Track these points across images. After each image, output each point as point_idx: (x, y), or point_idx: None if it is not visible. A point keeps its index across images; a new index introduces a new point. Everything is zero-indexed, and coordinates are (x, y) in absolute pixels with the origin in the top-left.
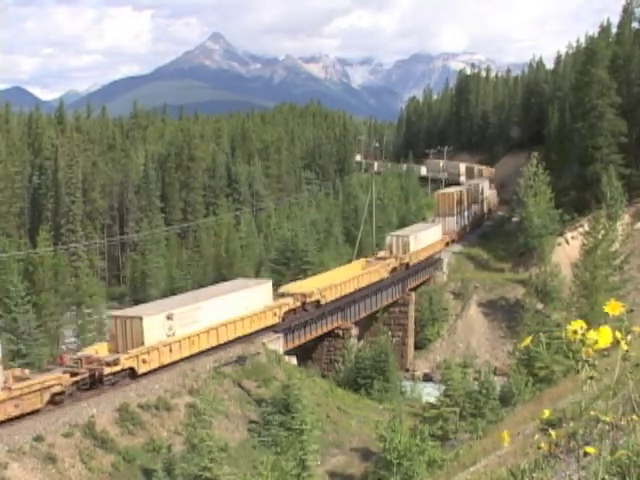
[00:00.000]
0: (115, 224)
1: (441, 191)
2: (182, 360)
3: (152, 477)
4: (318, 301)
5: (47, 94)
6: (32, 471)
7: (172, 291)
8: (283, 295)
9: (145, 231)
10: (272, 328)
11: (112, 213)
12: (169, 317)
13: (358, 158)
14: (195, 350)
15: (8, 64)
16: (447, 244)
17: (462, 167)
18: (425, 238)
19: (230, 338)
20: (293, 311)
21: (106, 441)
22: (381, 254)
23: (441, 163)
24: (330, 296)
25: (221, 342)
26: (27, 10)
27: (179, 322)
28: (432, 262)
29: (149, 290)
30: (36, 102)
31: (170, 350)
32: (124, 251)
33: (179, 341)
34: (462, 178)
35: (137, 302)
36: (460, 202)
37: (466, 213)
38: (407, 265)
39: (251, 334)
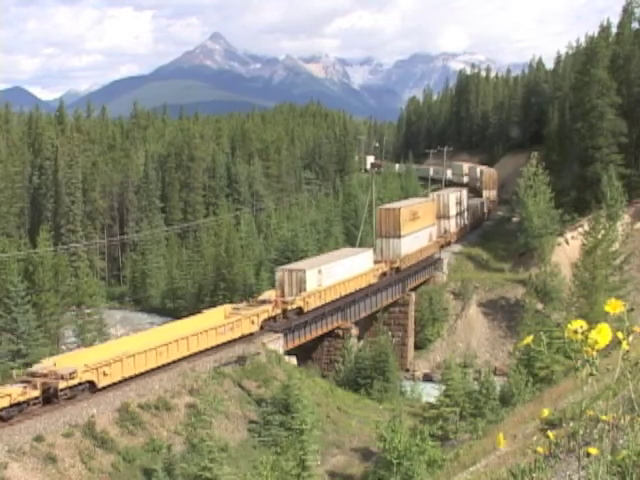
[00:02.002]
0: (115, 224)
1: (385, 206)
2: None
3: (152, 477)
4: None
5: (47, 94)
6: (32, 471)
7: (172, 291)
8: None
9: (145, 231)
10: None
11: (112, 213)
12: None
13: (371, 159)
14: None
15: (8, 64)
16: (384, 275)
17: (465, 167)
18: (338, 271)
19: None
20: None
21: (106, 441)
22: (266, 295)
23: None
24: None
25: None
26: (28, 10)
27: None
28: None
29: (149, 290)
30: (36, 102)
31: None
32: (124, 251)
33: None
34: (465, 178)
35: (137, 302)
36: (413, 219)
37: (422, 233)
38: (300, 310)
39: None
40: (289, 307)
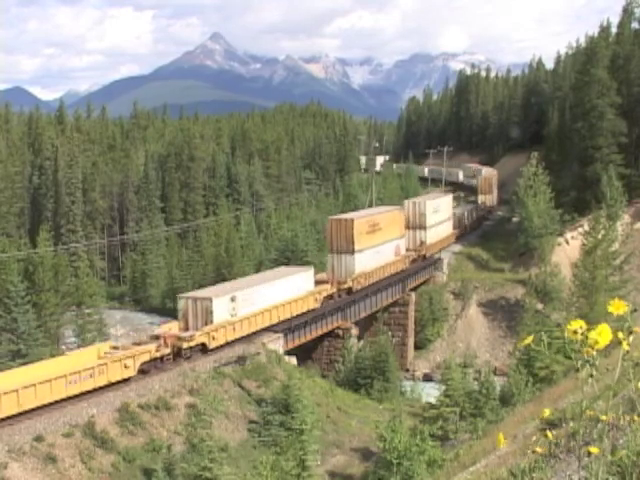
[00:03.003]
0: (115, 224)
1: (337, 216)
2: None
3: (152, 477)
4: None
5: (47, 94)
6: (32, 471)
7: (172, 291)
8: None
9: (145, 231)
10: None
11: (112, 213)
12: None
13: (381, 160)
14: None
15: (9, 64)
16: (329, 297)
17: (460, 174)
18: (263, 297)
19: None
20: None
21: (106, 441)
22: (165, 328)
23: (443, 169)
24: None
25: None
26: (29, 10)
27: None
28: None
29: (149, 290)
30: (36, 102)
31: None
32: (124, 251)
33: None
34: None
35: (137, 302)
36: (372, 231)
37: (386, 248)
38: (204, 347)
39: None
40: (185, 344)
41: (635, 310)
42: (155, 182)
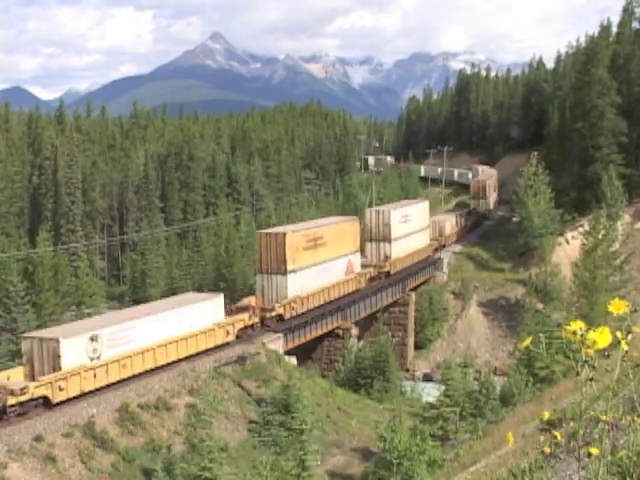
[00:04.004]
0: (115, 224)
1: (267, 230)
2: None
3: (152, 477)
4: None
5: (47, 94)
6: (32, 471)
7: (172, 291)
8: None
9: (145, 231)
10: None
11: (112, 213)
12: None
13: (390, 159)
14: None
15: (9, 64)
16: (245, 329)
17: (456, 173)
18: (144, 333)
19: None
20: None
21: (106, 441)
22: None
23: (439, 169)
24: None
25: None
26: (29, 10)
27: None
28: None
29: (149, 290)
30: (36, 102)
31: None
32: (124, 251)
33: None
34: (456, 177)
35: (137, 302)
36: (314, 247)
37: (334, 265)
38: (46, 401)
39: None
40: (13, 400)
41: (635, 310)
42: (155, 182)
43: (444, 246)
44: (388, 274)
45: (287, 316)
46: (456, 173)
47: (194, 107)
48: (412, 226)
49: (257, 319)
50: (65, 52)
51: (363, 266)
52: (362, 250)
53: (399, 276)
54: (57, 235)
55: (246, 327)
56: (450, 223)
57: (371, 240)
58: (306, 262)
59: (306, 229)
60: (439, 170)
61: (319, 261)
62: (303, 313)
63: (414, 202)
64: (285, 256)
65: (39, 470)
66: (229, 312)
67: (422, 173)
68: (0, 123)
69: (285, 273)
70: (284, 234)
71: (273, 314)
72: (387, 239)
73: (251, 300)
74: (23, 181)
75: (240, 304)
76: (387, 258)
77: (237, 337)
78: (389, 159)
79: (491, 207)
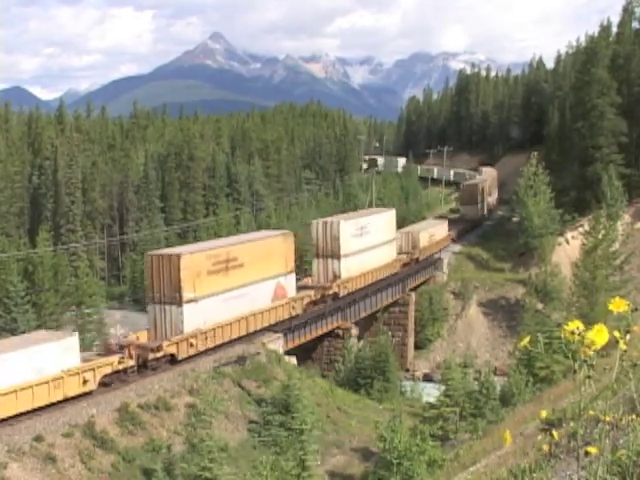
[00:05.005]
0: (115, 224)
1: (160, 251)
2: None
3: (152, 477)
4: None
5: (47, 94)
6: (32, 471)
7: None
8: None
9: (145, 231)
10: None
11: (112, 213)
12: None
13: (403, 162)
14: None
15: (9, 64)
16: (114, 373)
17: (452, 173)
18: None
19: None
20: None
21: (106, 441)
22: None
23: (435, 170)
24: None
25: None
26: (29, 10)
27: None
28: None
29: None
30: (36, 102)
31: None
32: (124, 251)
33: None
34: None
35: (137, 302)
36: (225, 269)
37: (254, 290)
38: None
39: None
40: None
41: (635, 309)
42: (155, 182)
43: (418, 260)
44: (336, 296)
45: (182, 355)
46: (467, 175)
47: (194, 107)
48: (371, 239)
49: (133, 361)
50: (65, 52)
51: (305, 288)
52: (308, 269)
53: (349, 299)
54: (57, 235)
55: (116, 372)
56: (427, 233)
57: (318, 256)
58: (212, 289)
59: (212, 249)
60: (451, 172)
61: (232, 286)
62: (206, 350)
63: (376, 211)
64: (180, 282)
65: (39, 470)
66: (105, 351)
67: (435, 175)
68: (0, 123)
69: (180, 303)
70: (178, 256)
71: (160, 354)
72: (336, 255)
73: (140, 335)
74: (23, 181)
75: (125, 341)
76: (336, 277)
77: (103, 385)
78: (400, 160)
79: (480, 214)
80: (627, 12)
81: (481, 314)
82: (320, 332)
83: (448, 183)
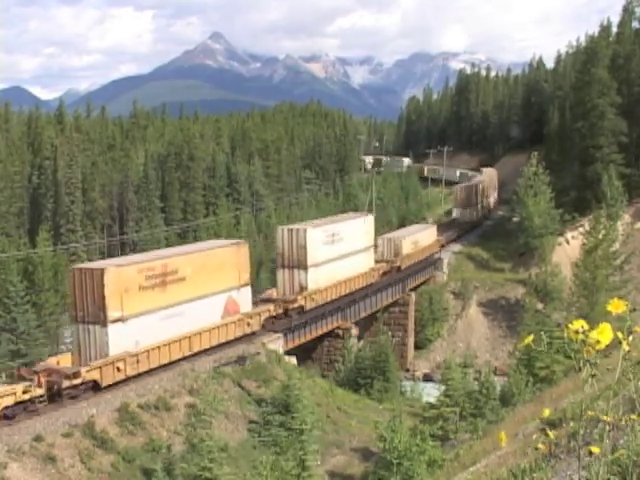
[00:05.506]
0: (115, 224)
1: (82, 265)
2: None
3: (152, 477)
4: None
5: (47, 94)
6: (31, 471)
7: None
8: None
9: (145, 231)
10: None
11: (112, 213)
12: None
13: (408, 162)
14: None
15: (9, 64)
16: (26, 403)
17: (458, 172)
18: None
19: None
20: None
21: (106, 441)
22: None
23: (441, 170)
24: None
25: None
26: (30, 10)
27: None
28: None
29: None
30: (36, 102)
31: None
32: (124, 251)
33: None
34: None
35: None
36: (161, 285)
37: (200, 305)
38: None
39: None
40: None
41: (635, 310)
42: (155, 182)
43: (400, 268)
44: (302, 310)
45: (106, 382)
46: (459, 173)
47: (194, 107)
48: (344, 247)
49: (42, 390)
50: (65, 52)
51: (268, 301)
52: (273, 280)
53: (316, 313)
54: (57, 235)
55: (21, 403)
56: (411, 239)
57: (283, 267)
58: (146, 306)
59: (146, 261)
60: (457, 172)
61: (172, 303)
62: (138, 375)
63: (350, 217)
64: (104, 300)
65: (39, 470)
66: (18, 378)
67: (442, 175)
68: (0, 123)
69: (105, 323)
70: (102, 270)
71: (77, 381)
72: (302, 265)
73: (63, 359)
74: (23, 181)
75: (40, 366)
76: (302, 289)
77: (5, 418)
78: (406, 160)
79: (478, 216)
80: (627, 12)
81: (481, 314)
82: (320, 332)
83: (455, 183)
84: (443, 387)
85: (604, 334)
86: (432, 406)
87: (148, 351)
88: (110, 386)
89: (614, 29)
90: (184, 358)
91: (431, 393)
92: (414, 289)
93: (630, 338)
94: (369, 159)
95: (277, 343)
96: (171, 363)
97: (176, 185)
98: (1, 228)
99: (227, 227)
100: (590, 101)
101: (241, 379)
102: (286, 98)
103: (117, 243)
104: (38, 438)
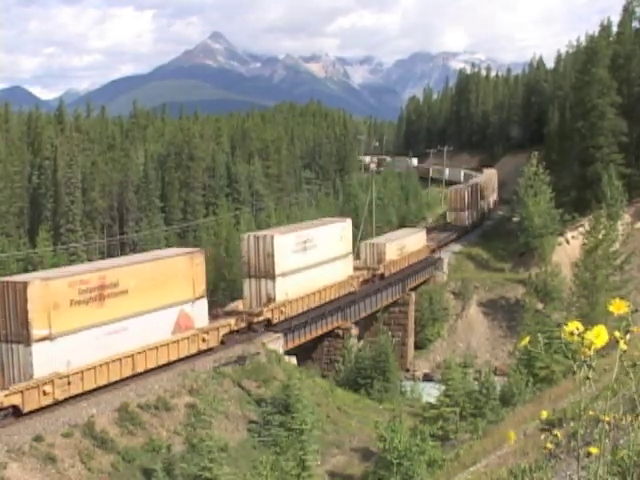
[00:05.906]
0: (115, 224)
1: (3, 278)
2: None
3: (152, 477)
4: None
5: (47, 93)
6: (31, 471)
7: None
8: None
9: (145, 231)
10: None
11: (112, 213)
12: None
13: (415, 162)
14: None
15: (9, 64)
16: None
17: (462, 173)
18: None
19: None
20: None
21: (106, 441)
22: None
23: (447, 171)
24: None
25: None
26: (29, 10)
27: None
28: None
29: None
30: (36, 101)
31: None
32: (124, 251)
33: None
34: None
35: None
36: (98, 299)
37: (146, 321)
38: None
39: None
40: None
41: (636, 310)
42: (155, 182)
43: (383, 276)
44: (269, 323)
45: (29, 408)
46: (463, 174)
47: (194, 107)
48: (318, 254)
49: None
50: (65, 52)
51: (230, 314)
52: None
53: (287, 325)
54: (57, 235)
55: None
56: (396, 245)
57: (250, 276)
58: (79, 323)
59: (80, 274)
60: (461, 173)
61: (111, 319)
62: (71, 397)
63: (325, 222)
64: (28, 316)
65: (39, 470)
66: None
67: (447, 176)
68: (0, 123)
69: (29, 342)
70: (24, 284)
71: None
72: (270, 275)
73: None
74: (23, 181)
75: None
76: (270, 301)
77: None
78: (409, 160)
79: (475, 220)
80: (627, 12)
81: (481, 314)
82: (320, 332)
83: (458, 184)
84: (443, 387)
85: (599, 337)
86: (432, 406)
87: (82, 372)
88: (33, 412)
89: (614, 29)
90: (127, 378)
91: (431, 393)
92: (414, 289)
93: (627, 337)
94: (373, 159)
95: (277, 343)
96: (111, 384)
97: (176, 185)
98: (1, 228)
99: (227, 227)
100: (590, 101)
101: (241, 379)
102: (286, 98)
103: (117, 243)
104: (38, 438)
